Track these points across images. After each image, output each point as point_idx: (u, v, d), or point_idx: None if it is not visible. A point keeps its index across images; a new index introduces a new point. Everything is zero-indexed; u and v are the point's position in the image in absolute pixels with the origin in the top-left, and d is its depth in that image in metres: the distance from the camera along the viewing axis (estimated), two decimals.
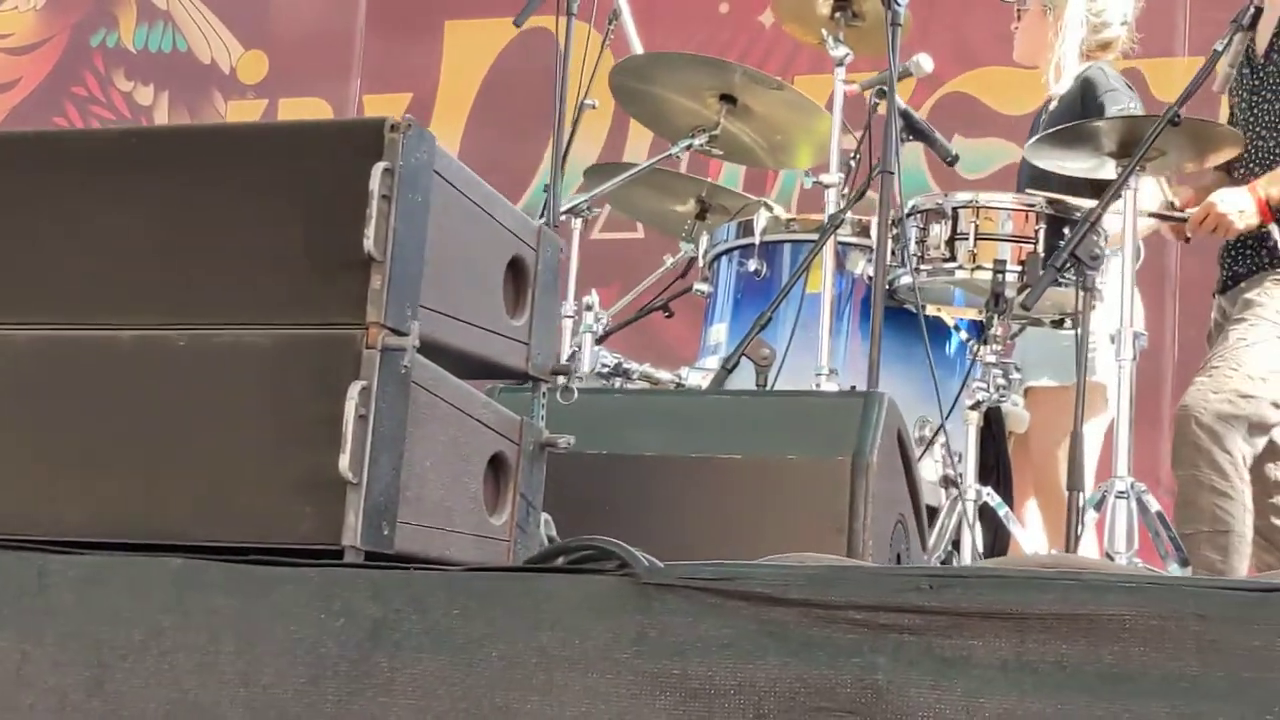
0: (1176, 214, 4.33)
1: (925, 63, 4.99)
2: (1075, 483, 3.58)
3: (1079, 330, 3.76)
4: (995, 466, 4.60)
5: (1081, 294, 3.72)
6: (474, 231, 2.49)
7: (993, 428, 4.62)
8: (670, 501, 3.14)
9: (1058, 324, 4.38)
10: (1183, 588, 1.85)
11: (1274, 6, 4.27)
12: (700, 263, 4.85)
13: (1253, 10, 3.82)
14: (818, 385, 4.20)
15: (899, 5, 3.93)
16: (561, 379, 2.73)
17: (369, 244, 2.22)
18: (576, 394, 2.75)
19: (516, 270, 2.61)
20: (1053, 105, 4.80)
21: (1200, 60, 3.97)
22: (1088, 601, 1.85)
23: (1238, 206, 4.13)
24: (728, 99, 4.83)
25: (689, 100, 4.85)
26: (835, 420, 3.11)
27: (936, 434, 4.14)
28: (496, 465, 2.52)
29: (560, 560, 2.07)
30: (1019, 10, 4.99)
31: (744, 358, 4.08)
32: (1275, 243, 4.09)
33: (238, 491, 2.23)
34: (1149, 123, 3.87)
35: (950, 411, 4.09)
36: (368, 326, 2.22)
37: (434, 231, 2.33)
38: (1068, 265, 3.64)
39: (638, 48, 5.25)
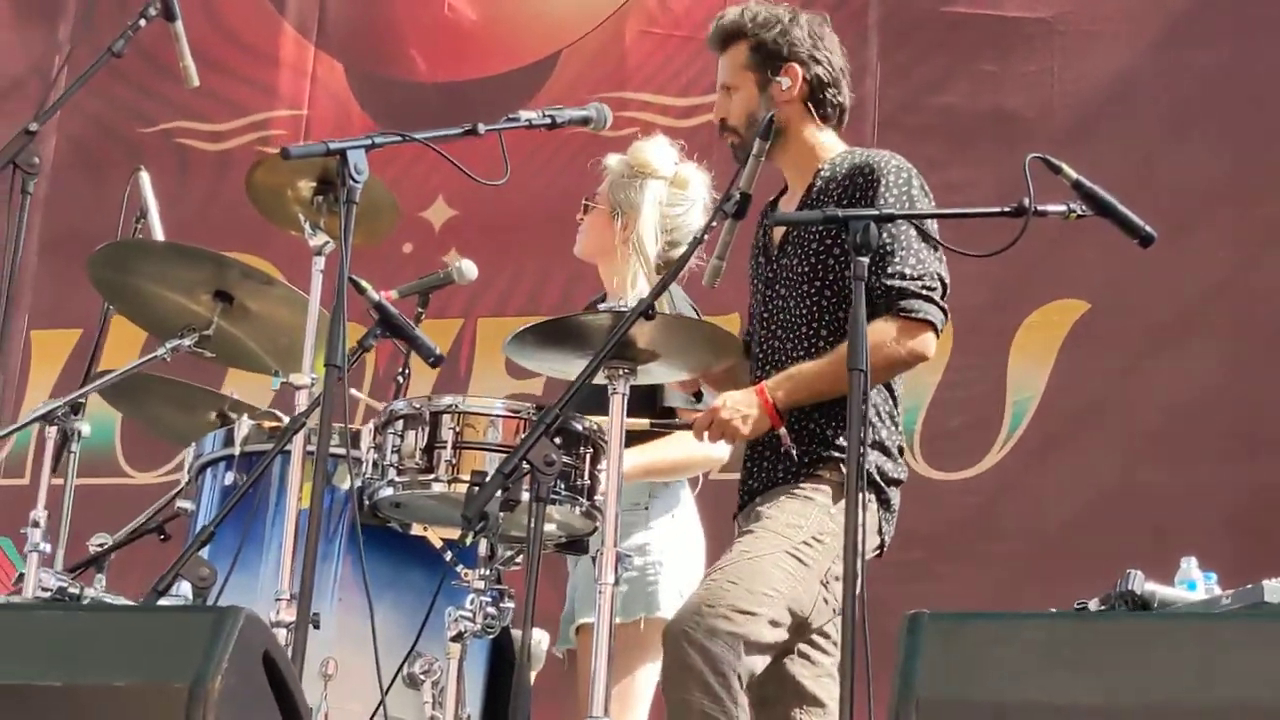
0: (674, 423, 3.95)
1: (469, 270, 4.61)
2: None
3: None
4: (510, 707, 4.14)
5: (535, 505, 3.26)
6: None
7: (505, 663, 4.16)
8: None
9: (565, 547, 3.92)
10: None
11: (793, 195, 3.97)
12: (186, 477, 4.31)
13: (738, 197, 3.46)
14: (277, 611, 3.69)
15: (355, 181, 3.48)
16: None
17: None
18: None
19: None
20: None
21: None
22: None
23: (742, 411, 3.69)
24: (223, 296, 4.35)
25: (180, 296, 4.36)
26: (178, 641, 2.60)
27: (401, 668, 3.65)
28: None
29: None
30: (586, 204, 4.64)
31: (181, 579, 3.55)
32: (788, 449, 3.67)
33: None
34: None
35: (416, 641, 3.63)
36: None
37: None
38: (519, 472, 3.19)
39: None
